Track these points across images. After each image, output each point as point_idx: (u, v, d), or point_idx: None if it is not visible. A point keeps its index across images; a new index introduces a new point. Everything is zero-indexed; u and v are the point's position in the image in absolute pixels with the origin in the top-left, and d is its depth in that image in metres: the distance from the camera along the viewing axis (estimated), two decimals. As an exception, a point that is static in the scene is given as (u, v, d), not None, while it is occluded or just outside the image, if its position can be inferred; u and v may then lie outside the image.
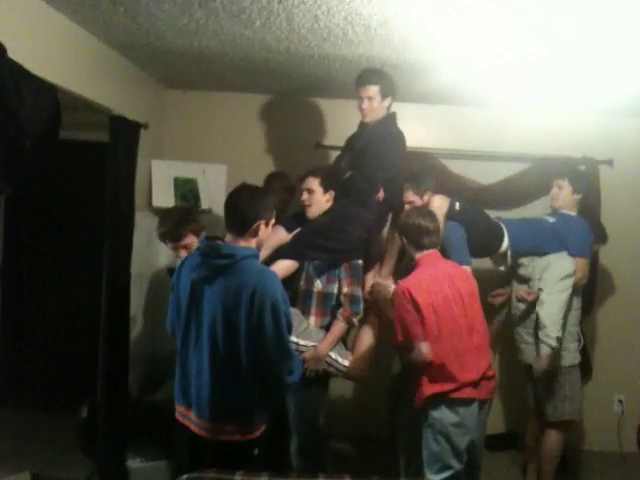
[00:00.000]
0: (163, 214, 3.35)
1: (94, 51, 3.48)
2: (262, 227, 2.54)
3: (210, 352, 2.45)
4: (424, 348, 2.90)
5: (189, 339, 2.54)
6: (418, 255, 3.09)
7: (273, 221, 2.63)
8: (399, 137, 3.43)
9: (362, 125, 3.54)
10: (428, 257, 3.07)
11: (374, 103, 3.37)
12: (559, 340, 3.45)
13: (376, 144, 3.35)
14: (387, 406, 3.73)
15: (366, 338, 3.42)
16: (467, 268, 3.32)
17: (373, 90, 3.35)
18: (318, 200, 3.32)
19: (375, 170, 3.30)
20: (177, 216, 3.30)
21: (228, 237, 2.55)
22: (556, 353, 3.55)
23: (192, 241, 3.22)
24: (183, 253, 3.22)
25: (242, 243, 2.51)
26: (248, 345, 2.42)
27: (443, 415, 2.93)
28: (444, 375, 2.91)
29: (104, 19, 3.11)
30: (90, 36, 3.38)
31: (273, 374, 2.51)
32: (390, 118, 3.46)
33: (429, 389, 2.94)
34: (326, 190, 3.32)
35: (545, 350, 3.45)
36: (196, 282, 2.50)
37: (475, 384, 2.95)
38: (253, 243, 2.54)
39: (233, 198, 2.57)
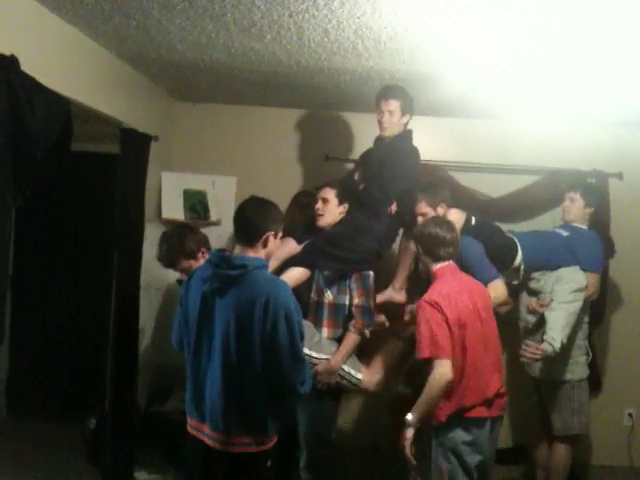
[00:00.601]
0: (160, 238, 3.31)
1: (106, 64, 3.51)
2: (271, 239, 2.55)
3: (223, 363, 2.45)
4: (447, 369, 2.80)
5: (201, 351, 2.54)
6: (435, 267, 3.00)
7: (281, 233, 2.65)
8: (415, 153, 3.45)
9: (378, 140, 3.56)
10: (446, 269, 2.99)
11: (394, 118, 3.39)
12: (563, 345, 3.41)
13: (393, 158, 3.37)
14: (393, 419, 3.72)
15: (388, 354, 3.38)
16: (498, 282, 3.26)
17: (395, 105, 3.38)
18: (331, 210, 3.33)
19: (390, 182, 3.33)
20: (167, 245, 3.24)
21: (237, 248, 2.57)
22: (561, 363, 3.53)
23: (189, 265, 3.15)
24: (183, 275, 3.19)
25: (251, 254, 2.53)
26: (262, 355, 2.43)
27: (456, 434, 2.88)
28: (464, 392, 2.86)
29: (116, 32, 3.14)
30: (102, 49, 3.42)
31: (287, 384, 2.50)
32: (407, 134, 3.48)
33: (448, 407, 2.86)
34: (341, 202, 3.34)
35: (546, 348, 3.32)
36: (207, 294, 2.51)
37: (489, 402, 2.90)
38: (262, 254, 2.56)
39: (242, 210, 2.60)
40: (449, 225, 3.05)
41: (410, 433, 2.79)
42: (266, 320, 2.40)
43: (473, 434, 2.88)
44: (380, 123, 3.43)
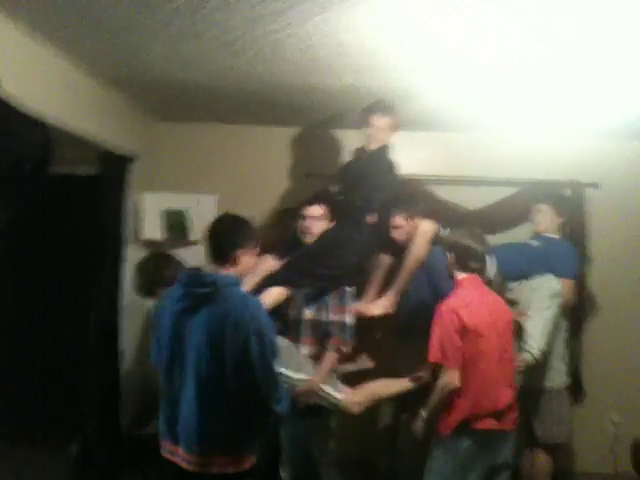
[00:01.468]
0: (135, 269, 3.27)
1: (84, 86, 3.50)
2: (242, 256, 2.54)
3: (196, 383, 2.42)
4: (454, 378, 2.85)
5: (174, 372, 2.50)
6: (460, 276, 3.03)
7: (257, 250, 2.64)
8: (394, 166, 3.51)
9: (359, 152, 3.59)
10: (471, 280, 3.01)
11: (384, 134, 3.45)
12: (543, 353, 3.44)
13: (375, 169, 3.42)
14: (386, 430, 3.72)
15: (383, 388, 3.34)
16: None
17: (386, 122, 3.44)
18: (321, 229, 3.34)
19: (373, 191, 3.37)
20: (143, 275, 3.21)
21: (210, 267, 2.56)
22: (541, 371, 3.56)
23: None
24: None
25: (223, 272, 2.52)
26: (234, 373, 2.40)
27: (463, 444, 2.89)
28: (474, 402, 2.87)
29: (94, 54, 3.15)
30: (80, 71, 3.41)
31: (261, 403, 2.47)
32: (387, 147, 3.53)
33: (457, 414, 2.88)
34: (331, 219, 3.35)
35: (526, 357, 3.37)
36: (179, 313, 2.48)
37: (500, 415, 2.91)
38: (235, 272, 2.54)
39: (214, 227, 2.60)
40: (482, 238, 3.10)
41: (420, 426, 2.96)
42: (237, 337, 2.37)
43: (478, 444, 2.89)
44: (370, 137, 3.48)
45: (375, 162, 3.46)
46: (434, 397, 2.91)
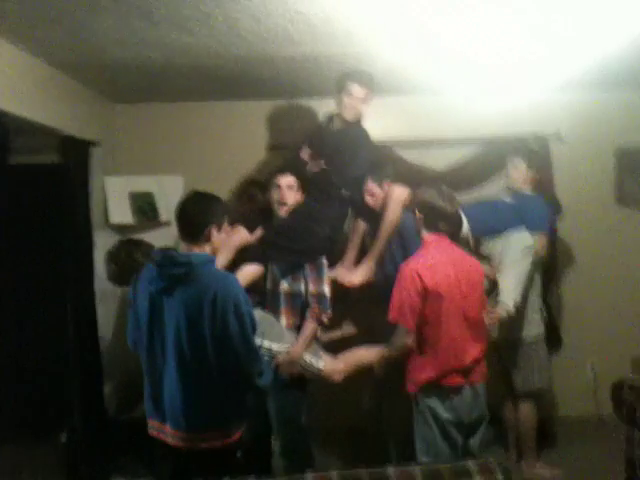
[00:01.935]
0: (106, 258, 3.22)
1: (37, 72, 3.43)
2: (214, 232, 2.54)
3: (178, 362, 2.44)
4: (408, 337, 2.89)
5: (154, 352, 2.52)
6: (426, 235, 3.01)
7: (226, 225, 2.63)
8: (368, 138, 3.53)
9: (332, 119, 3.57)
10: (438, 240, 2.99)
11: (364, 104, 3.46)
12: (516, 306, 3.49)
13: (351, 145, 3.43)
14: (370, 396, 3.76)
15: (365, 355, 3.26)
16: None
17: (365, 93, 3.44)
18: (294, 198, 3.32)
19: (348, 168, 3.39)
20: (115, 264, 3.16)
21: (182, 246, 2.56)
22: (516, 323, 3.61)
23: None
24: None
25: (196, 250, 2.52)
26: (215, 350, 2.43)
27: (435, 403, 2.92)
28: (439, 360, 2.90)
29: (44, 39, 3.08)
30: (31, 57, 3.34)
31: (242, 377, 2.51)
32: (361, 121, 3.53)
33: (423, 373, 2.91)
34: (303, 190, 3.34)
35: (500, 312, 3.42)
36: (154, 294, 2.48)
37: (467, 371, 2.93)
38: (207, 249, 2.54)
39: (183, 206, 2.59)
40: (451, 197, 3.03)
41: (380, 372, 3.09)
42: (215, 314, 2.40)
43: (452, 401, 2.92)
44: (347, 105, 3.46)
45: (352, 137, 3.45)
46: (390, 349, 2.97)
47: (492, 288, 3.69)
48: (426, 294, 2.85)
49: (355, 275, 3.46)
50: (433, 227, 3.00)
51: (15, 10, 2.67)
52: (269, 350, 3.09)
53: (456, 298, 2.91)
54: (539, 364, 3.78)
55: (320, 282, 3.27)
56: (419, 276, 2.85)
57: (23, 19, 2.79)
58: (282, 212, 3.32)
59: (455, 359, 2.90)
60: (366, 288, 3.52)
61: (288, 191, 3.30)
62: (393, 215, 3.43)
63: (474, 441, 3.04)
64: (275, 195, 3.33)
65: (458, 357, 2.91)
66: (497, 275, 3.59)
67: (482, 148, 4.67)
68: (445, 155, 4.68)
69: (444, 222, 2.99)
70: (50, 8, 2.68)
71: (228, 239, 2.96)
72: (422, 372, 2.92)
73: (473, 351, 2.96)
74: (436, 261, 2.92)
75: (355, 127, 3.50)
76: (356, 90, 3.43)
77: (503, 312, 3.43)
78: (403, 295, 2.88)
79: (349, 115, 3.48)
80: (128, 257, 3.10)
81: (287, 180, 3.31)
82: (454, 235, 3.36)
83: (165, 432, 2.52)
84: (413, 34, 3.23)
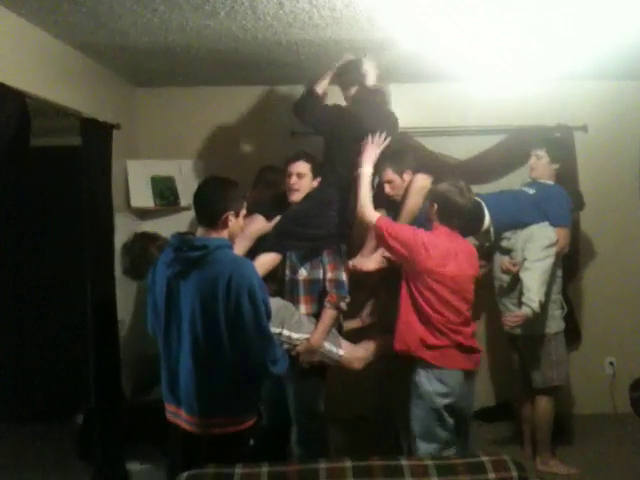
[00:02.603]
0: (121, 252, 3.21)
1: (59, 54, 3.43)
2: (231, 218, 2.53)
3: (192, 346, 2.44)
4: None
5: (171, 336, 2.53)
6: (438, 225, 3.09)
7: (244, 211, 2.62)
8: (390, 120, 3.48)
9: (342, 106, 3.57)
10: (448, 232, 3.07)
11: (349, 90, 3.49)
12: (541, 305, 3.46)
13: (367, 110, 3.39)
14: (378, 387, 3.76)
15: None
16: None
17: (347, 79, 3.48)
18: (307, 185, 3.30)
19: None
20: (130, 258, 3.15)
21: (199, 231, 2.56)
22: (538, 319, 3.58)
23: None
24: None
25: (213, 235, 2.52)
26: (229, 335, 2.42)
27: (433, 386, 3.00)
28: (443, 328, 3.00)
29: (67, 21, 3.07)
30: (54, 39, 3.34)
31: (256, 363, 2.49)
32: (373, 99, 3.47)
33: (413, 336, 3.02)
34: (315, 176, 3.31)
35: (525, 312, 3.43)
36: (171, 278, 2.49)
37: (463, 350, 3.04)
38: (225, 234, 2.54)
39: (200, 191, 2.58)
40: (470, 197, 3.11)
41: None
42: (229, 299, 2.39)
43: (447, 385, 3.00)
44: (346, 99, 3.54)
45: (364, 103, 3.42)
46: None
47: (514, 283, 3.66)
48: (424, 270, 2.96)
49: (370, 261, 3.44)
50: (446, 220, 3.07)
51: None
52: (289, 338, 3.10)
53: (448, 286, 2.99)
54: (558, 359, 3.75)
55: (338, 268, 3.25)
56: (424, 245, 2.95)
57: (45, 1, 2.78)
58: (294, 198, 3.31)
59: (454, 334, 3.01)
60: (381, 276, 3.51)
61: (299, 178, 3.28)
62: (414, 205, 3.42)
63: (465, 427, 3.17)
64: (287, 181, 3.32)
65: (452, 332, 3.01)
66: (521, 271, 3.55)
67: (506, 138, 4.61)
68: (469, 144, 4.63)
69: (458, 218, 3.07)
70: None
71: (246, 228, 2.98)
72: (412, 334, 3.03)
73: (467, 332, 3.07)
74: (443, 248, 3.00)
75: (365, 97, 3.46)
76: (345, 87, 3.47)
77: (529, 311, 3.43)
78: (399, 231, 3.03)
79: (346, 101, 3.52)
80: (142, 251, 3.09)
81: (297, 167, 3.30)
82: (471, 230, 3.40)
83: (180, 417, 2.53)
84: (435, 21, 3.17)
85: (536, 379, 3.77)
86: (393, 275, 3.34)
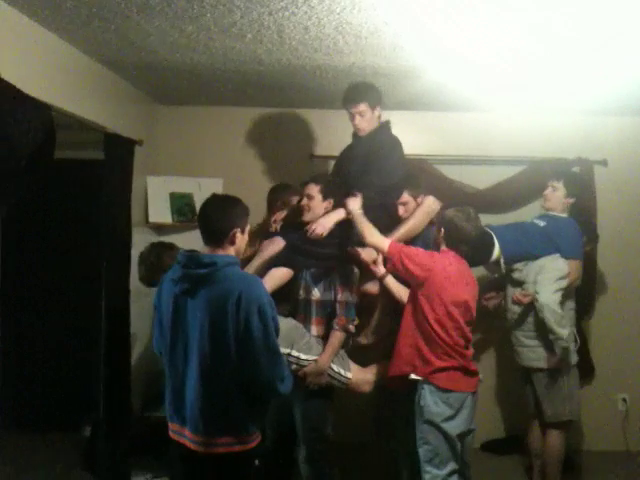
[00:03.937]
0: (138, 260, 3.27)
1: (86, 69, 3.49)
2: (238, 235, 2.52)
3: (200, 364, 2.41)
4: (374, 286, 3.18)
5: (177, 355, 2.49)
6: (445, 249, 3.12)
7: (248, 227, 2.62)
8: (397, 143, 3.49)
9: (356, 136, 3.56)
10: (455, 256, 3.09)
11: (366, 117, 3.42)
12: (569, 337, 3.48)
13: (376, 155, 3.39)
14: (375, 415, 3.74)
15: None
16: None
17: (362, 106, 3.41)
18: (316, 206, 3.32)
19: (377, 179, 3.35)
20: (145, 266, 3.18)
21: (206, 249, 2.53)
22: (567, 352, 3.57)
23: None
24: None
25: (220, 252, 2.50)
26: (238, 353, 2.39)
27: (439, 409, 2.99)
28: (451, 351, 3.01)
29: (95, 37, 3.13)
30: (82, 55, 3.40)
31: (264, 381, 2.46)
32: (385, 126, 3.51)
33: (437, 362, 3.00)
34: (325, 198, 3.33)
35: (559, 349, 3.48)
36: (178, 296, 2.47)
37: (466, 372, 3.04)
38: (231, 251, 2.53)
39: (205, 210, 2.57)
40: (477, 224, 3.14)
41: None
42: (239, 317, 2.36)
43: (454, 408, 3.00)
44: (354, 126, 3.48)
45: (374, 147, 3.43)
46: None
47: (525, 314, 3.64)
48: (433, 292, 2.98)
49: (375, 283, 3.44)
50: (453, 246, 3.10)
51: (69, 7, 2.72)
52: (297, 359, 3.10)
53: (460, 304, 3.02)
54: (570, 394, 3.70)
55: (348, 290, 3.26)
56: (442, 266, 3.01)
57: (76, 17, 2.84)
58: (305, 218, 3.34)
59: (460, 357, 3.02)
60: (385, 298, 3.49)
61: (308, 199, 3.33)
62: (416, 225, 3.44)
63: (464, 450, 3.13)
64: (302, 202, 3.37)
65: (460, 356, 3.02)
66: (531, 302, 3.55)
67: (526, 169, 4.61)
68: (489, 173, 4.64)
69: (465, 243, 3.10)
70: (102, 7, 2.72)
71: (266, 249, 3.07)
72: (436, 360, 3.01)
73: (468, 355, 3.09)
74: (454, 268, 3.05)
75: (372, 137, 3.47)
76: (352, 108, 3.42)
77: (563, 345, 3.49)
78: (415, 253, 3.06)
79: (361, 132, 3.48)
80: (157, 260, 3.11)
81: (307, 189, 3.35)
82: (480, 259, 3.41)
83: (184, 436, 2.49)
84: (459, 53, 3.21)
85: (547, 412, 3.72)
86: (393, 300, 3.35)
